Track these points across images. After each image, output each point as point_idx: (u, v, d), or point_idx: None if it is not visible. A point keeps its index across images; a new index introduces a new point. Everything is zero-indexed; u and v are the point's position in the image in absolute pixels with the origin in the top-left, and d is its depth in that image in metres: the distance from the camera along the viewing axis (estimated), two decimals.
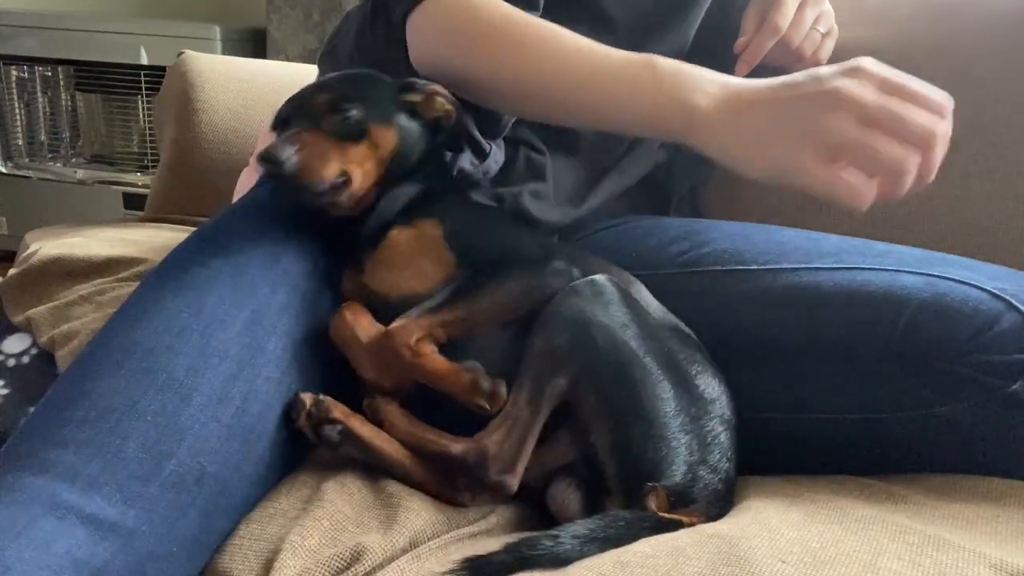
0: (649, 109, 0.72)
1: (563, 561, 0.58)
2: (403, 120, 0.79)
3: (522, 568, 0.58)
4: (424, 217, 0.77)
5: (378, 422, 0.72)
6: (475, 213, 0.84)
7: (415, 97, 0.80)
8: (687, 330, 0.76)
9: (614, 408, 0.66)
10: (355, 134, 0.75)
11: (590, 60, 0.76)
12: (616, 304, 0.70)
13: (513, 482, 0.67)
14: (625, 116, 0.75)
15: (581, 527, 0.60)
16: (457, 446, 0.68)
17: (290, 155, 0.71)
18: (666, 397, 0.66)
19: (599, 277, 0.71)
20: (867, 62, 0.65)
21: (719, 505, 0.67)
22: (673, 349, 0.70)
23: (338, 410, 0.71)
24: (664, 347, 0.70)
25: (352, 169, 0.75)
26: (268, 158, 0.71)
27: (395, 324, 0.71)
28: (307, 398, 0.71)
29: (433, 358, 0.70)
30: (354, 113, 0.75)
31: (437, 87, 0.80)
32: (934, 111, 0.64)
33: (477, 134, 0.83)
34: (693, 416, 0.67)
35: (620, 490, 0.65)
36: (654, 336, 0.70)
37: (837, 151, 0.64)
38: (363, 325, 0.73)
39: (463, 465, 0.67)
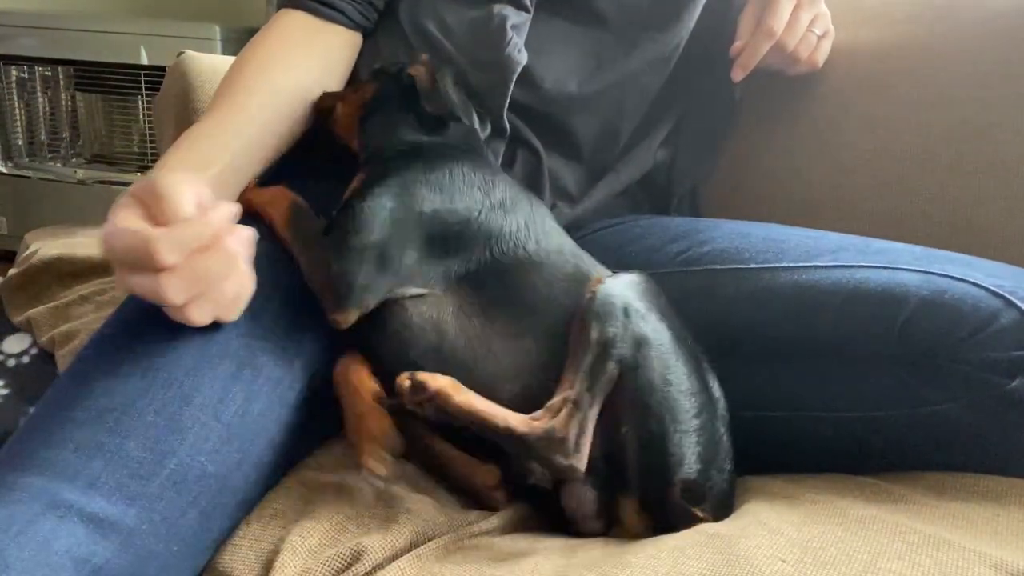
0: None
1: None
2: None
3: None
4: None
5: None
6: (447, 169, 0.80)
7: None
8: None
9: (650, 399, 0.66)
10: None
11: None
12: (653, 298, 0.70)
13: (581, 465, 0.65)
14: None
15: None
16: (522, 426, 0.66)
17: None
18: (692, 393, 0.67)
19: (636, 275, 0.72)
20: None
21: (725, 506, 0.68)
22: (694, 347, 0.71)
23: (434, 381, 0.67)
24: (689, 344, 0.70)
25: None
26: None
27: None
28: (404, 381, 0.67)
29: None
30: None
31: (427, 59, 0.84)
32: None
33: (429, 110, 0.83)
34: (710, 415, 0.68)
35: (638, 486, 0.66)
36: (681, 332, 0.70)
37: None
38: (363, 378, 0.71)
39: (530, 446, 0.65)
